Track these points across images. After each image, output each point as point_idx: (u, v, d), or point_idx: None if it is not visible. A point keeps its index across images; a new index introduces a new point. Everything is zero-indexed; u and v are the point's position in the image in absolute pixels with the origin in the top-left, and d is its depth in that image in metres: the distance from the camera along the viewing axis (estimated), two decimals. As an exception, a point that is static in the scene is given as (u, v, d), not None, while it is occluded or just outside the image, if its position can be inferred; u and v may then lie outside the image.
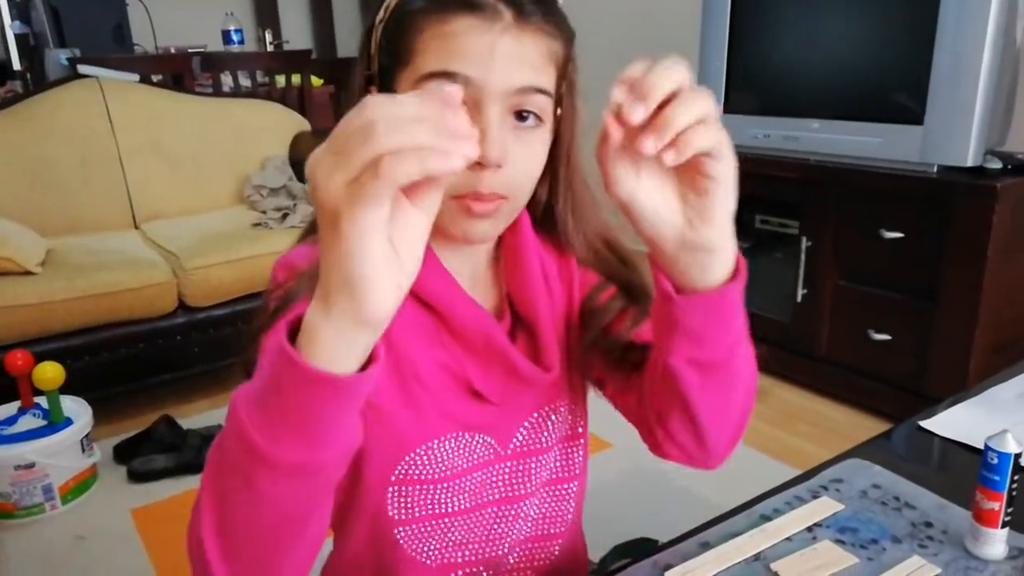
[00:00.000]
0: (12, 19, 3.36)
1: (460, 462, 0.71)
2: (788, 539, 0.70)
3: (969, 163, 1.89)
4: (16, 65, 3.37)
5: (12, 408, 1.93)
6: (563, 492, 0.79)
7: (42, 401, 1.90)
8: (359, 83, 0.66)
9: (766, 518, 0.72)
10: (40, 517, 1.84)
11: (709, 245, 0.52)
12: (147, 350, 2.24)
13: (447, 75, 0.58)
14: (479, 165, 0.59)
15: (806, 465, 2.01)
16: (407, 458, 0.68)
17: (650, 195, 0.51)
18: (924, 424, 0.90)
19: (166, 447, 2.07)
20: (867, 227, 2.10)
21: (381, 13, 0.64)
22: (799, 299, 2.31)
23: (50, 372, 1.83)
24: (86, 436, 1.92)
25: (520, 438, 0.74)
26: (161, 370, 2.28)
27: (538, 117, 0.62)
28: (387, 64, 0.63)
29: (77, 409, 1.95)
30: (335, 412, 0.45)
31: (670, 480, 1.90)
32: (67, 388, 1.90)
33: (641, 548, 0.94)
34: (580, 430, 0.79)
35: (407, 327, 0.66)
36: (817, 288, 2.27)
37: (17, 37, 3.34)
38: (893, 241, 2.04)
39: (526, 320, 0.72)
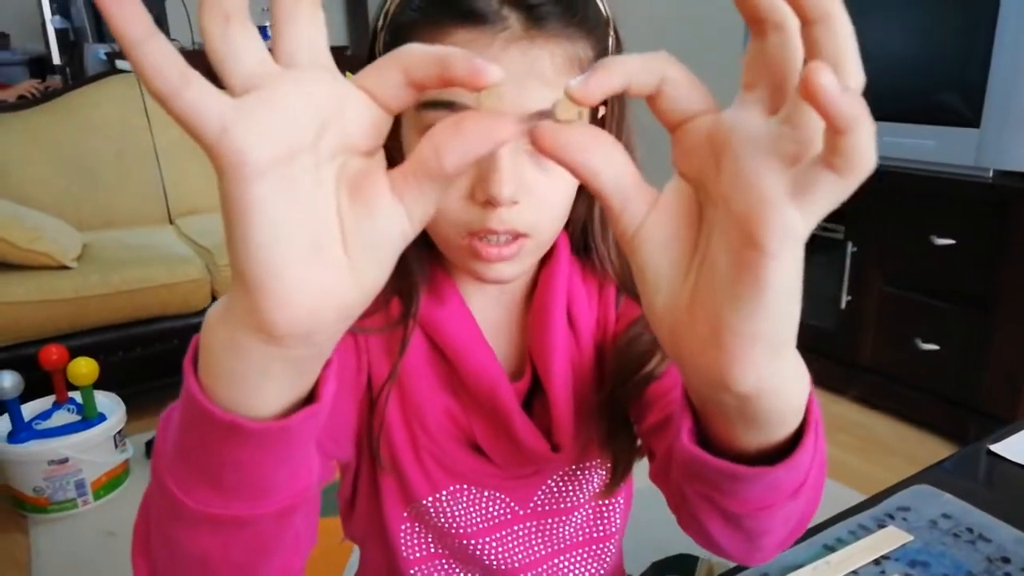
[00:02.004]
0: (52, 14, 3.40)
1: (475, 519, 0.65)
2: (854, 572, 0.65)
3: (1028, 168, 1.82)
4: (56, 60, 3.41)
5: (46, 403, 1.93)
6: (599, 551, 0.72)
7: (76, 396, 1.90)
8: None
9: (829, 548, 0.68)
10: (72, 512, 1.84)
11: (733, 385, 0.30)
12: (181, 346, 2.21)
13: (444, 105, 0.49)
14: (489, 204, 0.51)
15: (850, 479, 1.95)
16: (417, 504, 0.63)
17: (658, 252, 0.31)
18: (994, 448, 0.84)
19: (197, 444, 2.06)
20: (917, 233, 2.03)
21: (381, 20, 0.55)
22: (843, 305, 2.24)
23: (84, 367, 1.83)
24: (119, 432, 1.92)
25: (541, 498, 0.67)
26: (194, 366, 2.27)
27: None
28: None
29: (110, 405, 1.95)
30: (250, 462, 0.33)
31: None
32: (101, 383, 1.90)
33: (681, 565, 0.90)
34: (619, 486, 0.69)
35: (418, 366, 0.60)
36: (862, 295, 2.20)
37: (57, 32, 3.38)
38: (944, 248, 1.97)
39: (543, 386, 0.63)
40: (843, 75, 0.25)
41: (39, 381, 1.89)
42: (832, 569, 0.65)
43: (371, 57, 0.59)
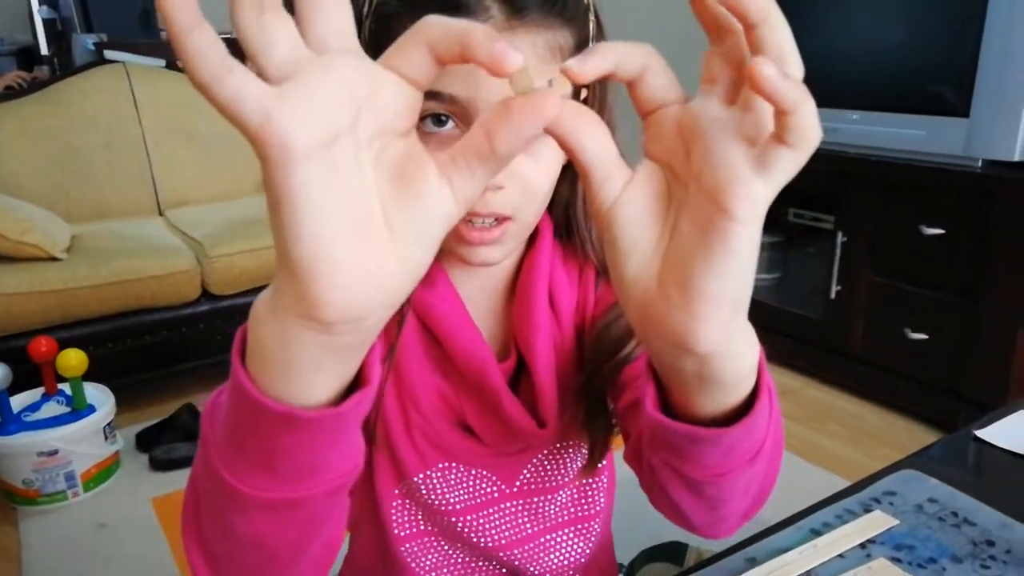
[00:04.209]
0: (40, 4, 3.37)
1: (464, 497, 0.66)
2: (840, 556, 0.65)
3: (1016, 157, 1.82)
4: (44, 50, 3.39)
5: (36, 395, 1.92)
6: (584, 530, 0.74)
7: (65, 388, 1.89)
8: None
9: (816, 532, 0.68)
10: (62, 504, 1.84)
11: (693, 345, 0.33)
12: (170, 338, 2.24)
13: (430, 95, 0.49)
14: None
15: (838, 467, 1.96)
16: (408, 481, 0.65)
17: (631, 225, 0.34)
18: (980, 434, 0.85)
19: (189, 435, 2.06)
20: (906, 222, 2.04)
21: (365, 7, 0.55)
22: (832, 295, 2.25)
23: (74, 359, 1.82)
24: (109, 424, 1.92)
25: (527, 476, 0.69)
26: (184, 358, 2.27)
27: None
28: None
29: (100, 396, 1.95)
30: (305, 449, 0.34)
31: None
32: (90, 375, 1.89)
33: (671, 552, 0.91)
34: (599, 465, 0.72)
35: (412, 348, 0.62)
36: (852, 285, 2.20)
37: (45, 22, 3.36)
38: (933, 237, 1.97)
39: (527, 363, 0.65)
40: (785, 65, 0.29)
41: (28, 373, 1.88)
42: (819, 553, 0.65)
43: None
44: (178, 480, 1.92)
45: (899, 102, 2.05)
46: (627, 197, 0.34)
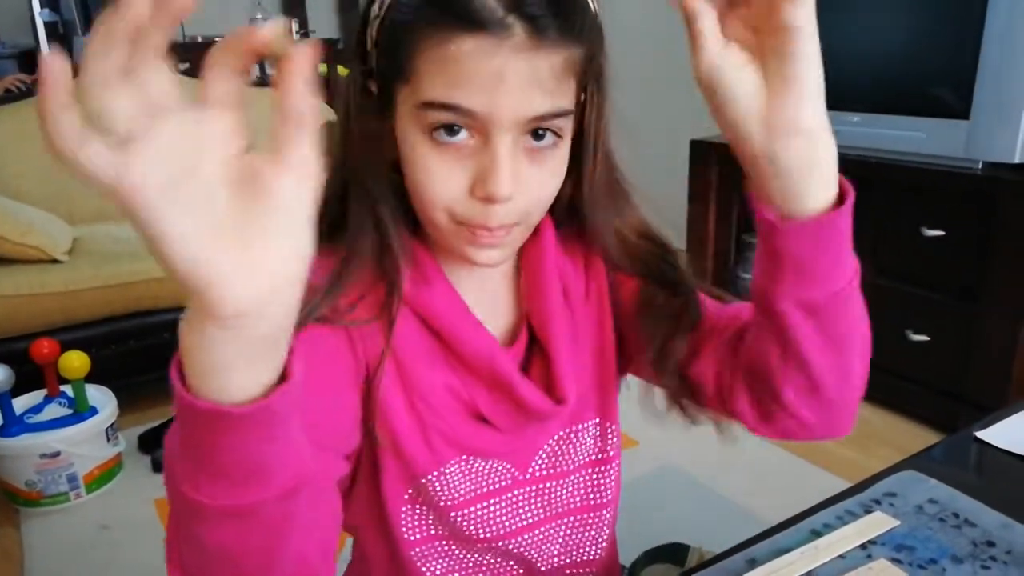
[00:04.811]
0: (41, 7, 3.38)
1: (476, 488, 0.67)
2: (841, 556, 0.65)
3: (1017, 159, 1.82)
4: (45, 53, 3.39)
5: (38, 396, 1.93)
6: (594, 520, 0.75)
7: (67, 390, 1.90)
8: (356, 77, 0.59)
9: (816, 533, 0.68)
10: (65, 506, 1.84)
11: (801, 123, 0.48)
12: (172, 340, 2.20)
13: (448, 107, 0.52)
14: (488, 200, 0.54)
15: (838, 469, 1.96)
16: (419, 483, 0.65)
17: (737, 71, 0.48)
18: (981, 435, 0.85)
19: (190, 437, 2.06)
20: (907, 224, 2.04)
21: (376, 8, 0.56)
22: (834, 297, 2.25)
23: (76, 361, 1.82)
24: (111, 425, 1.92)
25: (540, 461, 0.70)
26: (186, 360, 2.26)
27: (556, 134, 0.56)
28: (384, 69, 0.57)
29: (102, 398, 1.95)
30: (243, 446, 0.37)
31: (698, 480, 1.86)
32: (92, 377, 1.90)
33: (673, 554, 0.91)
34: (611, 453, 0.73)
35: (413, 348, 0.63)
36: (853, 286, 2.20)
37: (46, 25, 3.36)
38: (934, 239, 1.98)
39: (543, 345, 0.67)
40: None
41: (30, 375, 1.88)
42: (819, 553, 0.66)
43: (360, 45, 0.59)
44: (180, 482, 1.92)
45: (899, 104, 2.05)
46: (726, 53, 0.48)
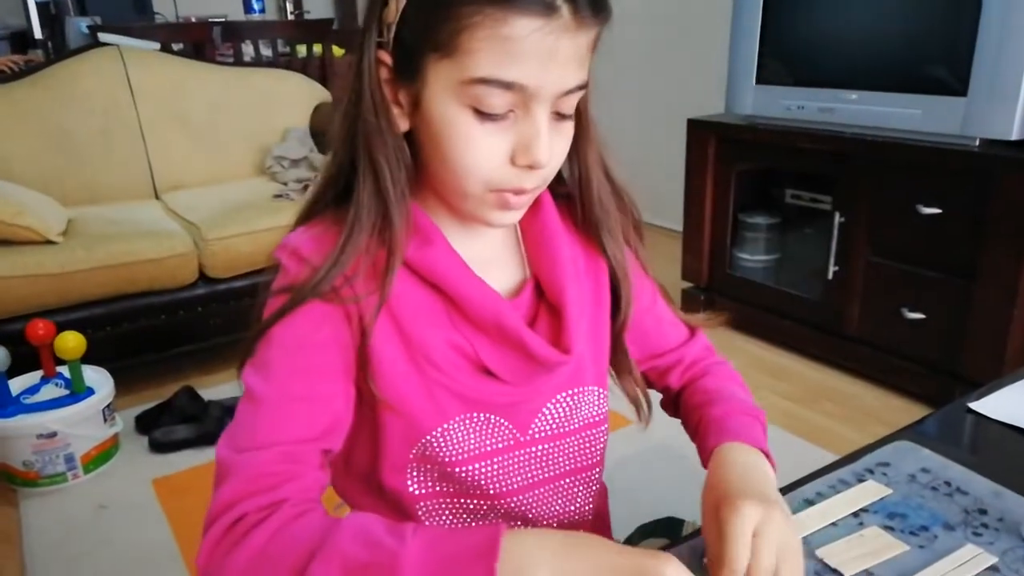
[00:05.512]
0: (33, -13, 3.35)
1: (479, 445, 0.68)
2: (833, 524, 0.66)
3: (1014, 137, 1.81)
4: (37, 33, 3.36)
5: (34, 377, 1.93)
6: (587, 479, 0.78)
7: (64, 371, 1.90)
8: (368, 51, 0.60)
9: (809, 502, 0.69)
10: (62, 486, 1.84)
11: None
12: (168, 321, 2.23)
13: (504, 84, 0.55)
14: (531, 167, 0.59)
15: (833, 444, 1.97)
16: (424, 440, 0.66)
17: None
18: (974, 406, 0.85)
19: (187, 418, 2.06)
20: (903, 202, 2.03)
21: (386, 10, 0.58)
22: (830, 276, 2.25)
23: (72, 342, 1.82)
24: (108, 406, 1.92)
25: (540, 423, 0.72)
26: (182, 341, 2.27)
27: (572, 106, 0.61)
28: (413, 43, 0.57)
29: (99, 379, 1.95)
30: None
31: (691, 457, 1.86)
32: (88, 358, 1.90)
33: (667, 528, 0.91)
34: (603, 415, 0.76)
35: (415, 309, 0.64)
36: (849, 265, 2.20)
37: (38, 6, 3.33)
38: (930, 217, 1.97)
39: (552, 301, 0.69)
40: None
41: (26, 356, 1.88)
42: (812, 521, 0.66)
43: (378, 16, 0.59)
44: (177, 462, 1.93)
45: (896, 82, 2.04)
46: None
